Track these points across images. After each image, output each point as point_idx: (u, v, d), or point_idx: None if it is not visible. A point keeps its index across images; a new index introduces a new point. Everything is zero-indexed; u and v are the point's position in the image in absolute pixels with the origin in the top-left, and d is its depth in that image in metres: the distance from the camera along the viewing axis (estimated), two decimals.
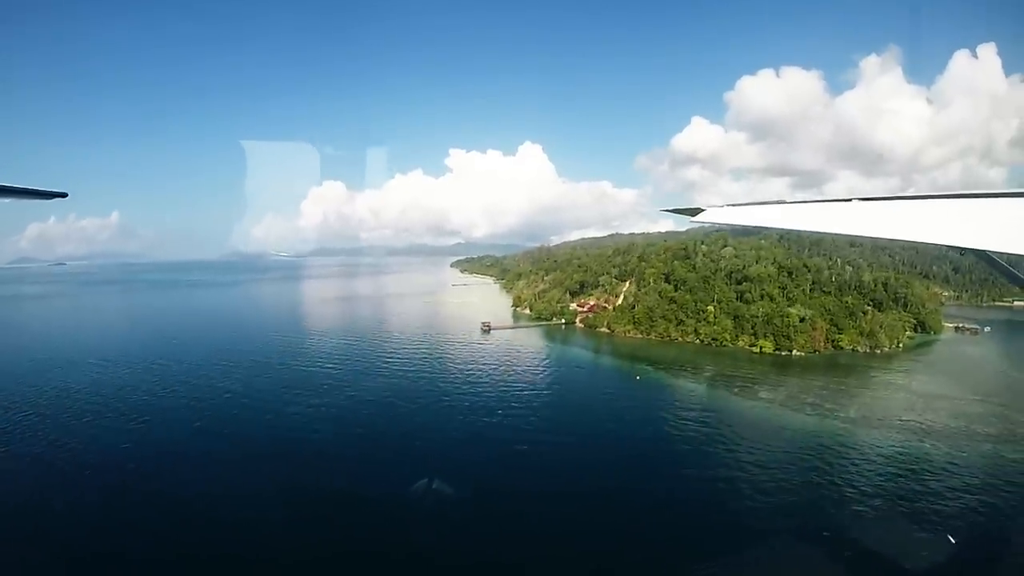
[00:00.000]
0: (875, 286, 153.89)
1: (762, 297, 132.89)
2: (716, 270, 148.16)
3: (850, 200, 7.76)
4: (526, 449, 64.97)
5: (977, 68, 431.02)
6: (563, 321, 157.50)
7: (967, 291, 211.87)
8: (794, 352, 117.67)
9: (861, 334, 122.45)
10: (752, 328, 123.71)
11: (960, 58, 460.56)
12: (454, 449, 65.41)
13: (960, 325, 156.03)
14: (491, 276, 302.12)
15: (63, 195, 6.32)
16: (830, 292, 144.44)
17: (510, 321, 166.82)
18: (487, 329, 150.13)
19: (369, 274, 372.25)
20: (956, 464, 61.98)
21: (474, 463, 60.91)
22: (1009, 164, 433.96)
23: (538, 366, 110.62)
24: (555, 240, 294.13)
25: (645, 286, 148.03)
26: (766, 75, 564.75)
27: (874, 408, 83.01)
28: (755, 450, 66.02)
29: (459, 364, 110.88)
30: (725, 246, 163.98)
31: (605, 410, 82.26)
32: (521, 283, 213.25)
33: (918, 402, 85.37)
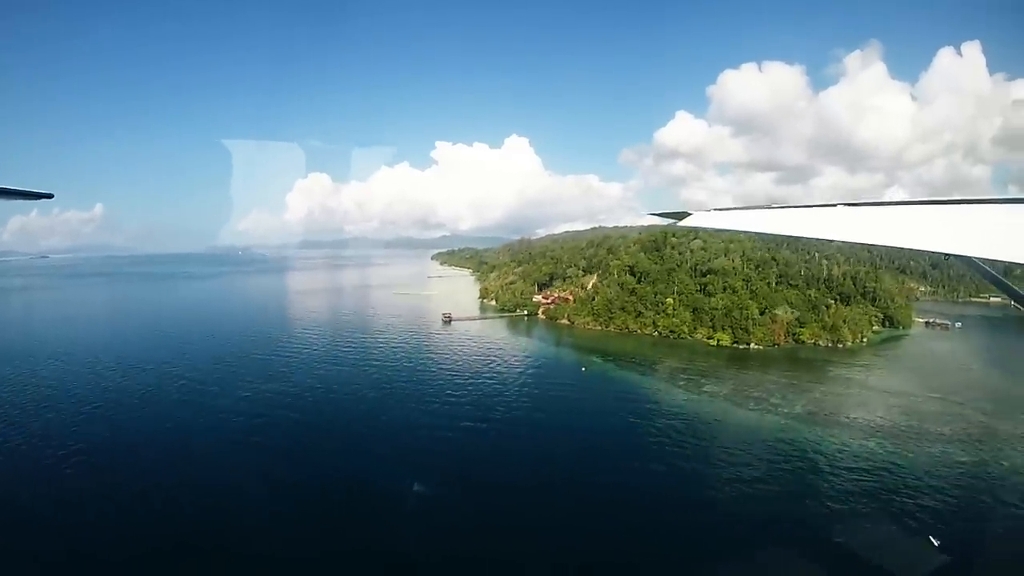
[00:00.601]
0: (844, 280, 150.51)
1: (724, 290, 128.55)
2: (682, 263, 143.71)
3: (835, 205, 7.86)
4: (451, 436, 64.69)
5: (962, 66, 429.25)
6: (526, 313, 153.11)
7: (944, 287, 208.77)
8: (752, 345, 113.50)
9: (824, 328, 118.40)
10: (711, 321, 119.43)
11: (945, 55, 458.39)
12: (384, 437, 64.31)
13: (931, 320, 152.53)
14: (469, 268, 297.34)
15: (49, 196, 6.29)
16: (797, 285, 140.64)
17: (475, 312, 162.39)
18: (448, 320, 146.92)
19: (348, 267, 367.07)
20: (899, 465, 57.58)
21: (401, 450, 59.94)
22: (993, 162, 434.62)
23: (486, 356, 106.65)
24: (541, 233, 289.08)
25: (608, 278, 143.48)
26: (749, 69, 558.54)
27: (823, 404, 78.69)
28: (688, 444, 62.74)
29: (410, 354, 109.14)
30: (695, 238, 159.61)
31: (542, 401, 78.89)
32: (492, 275, 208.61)
33: (871, 398, 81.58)
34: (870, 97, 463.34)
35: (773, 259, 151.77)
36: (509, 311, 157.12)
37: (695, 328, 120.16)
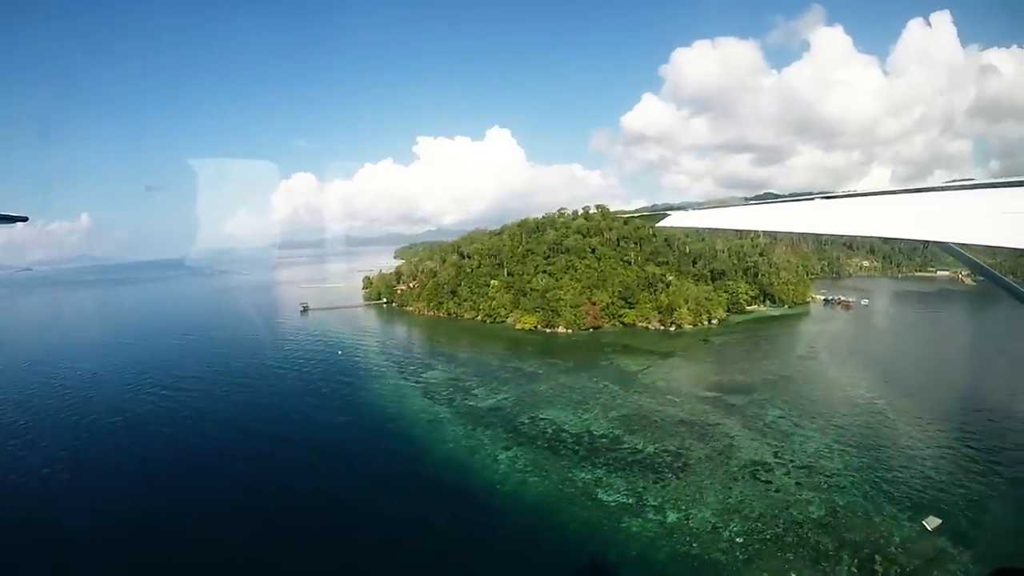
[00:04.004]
0: (728, 256, 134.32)
1: (568, 269, 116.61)
2: (540, 242, 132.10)
3: (813, 198, 7.94)
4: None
5: (932, 37, 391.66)
6: (384, 301, 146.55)
7: (892, 262, 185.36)
8: (560, 329, 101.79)
9: (658, 310, 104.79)
10: (532, 304, 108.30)
11: (914, 27, 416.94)
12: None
13: (831, 298, 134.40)
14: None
15: (24, 219, 6.28)
16: (667, 262, 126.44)
17: (339, 303, 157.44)
18: (304, 310, 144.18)
19: (304, 264, 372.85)
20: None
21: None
22: (972, 136, 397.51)
23: (296, 344, 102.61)
24: None
25: (445, 263, 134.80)
26: (702, 46, 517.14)
27: (536, 394, 67.06)
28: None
29: (229, 344, 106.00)
30: (576, 218, 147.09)
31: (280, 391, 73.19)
32: (393, 265, 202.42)
33: (609, 398, 65.69)
34: (836, 71, 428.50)
35: (653, 236, 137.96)
36: (374, 300, 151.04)
37: (511, 312, 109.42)
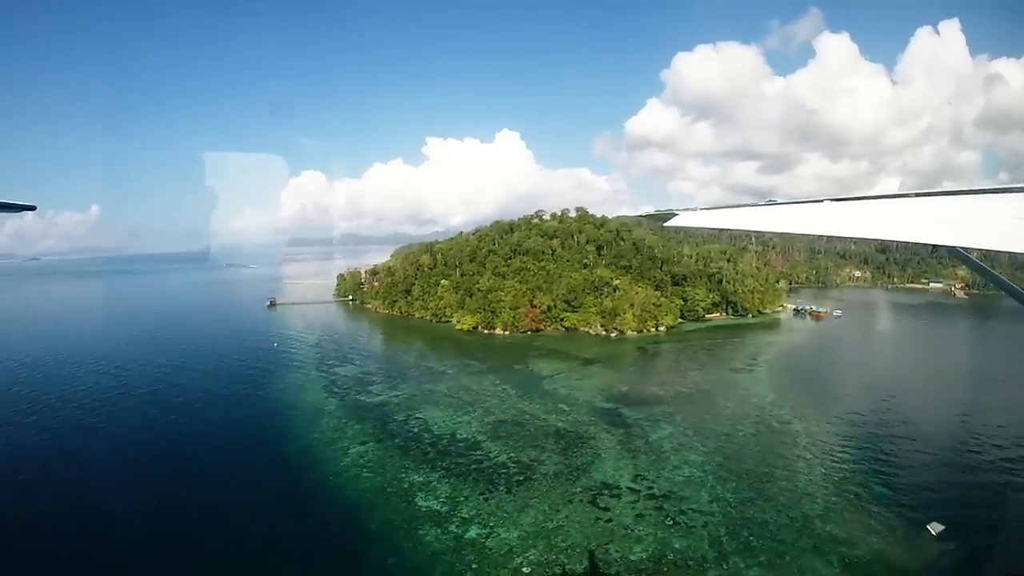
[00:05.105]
0: (694, 261, 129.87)
1: (520, 271, 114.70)
2: (505, 244, 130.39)
3: (822, 201, 7.90)
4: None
5: (940, 46, 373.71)
6: (350, 298, 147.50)
7: (884, 272, 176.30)
8: (498, 331, 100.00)
9: (602, 314, 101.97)
10: (476, 305, 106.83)
11: (922, 35, 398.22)
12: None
13: (801, 308, 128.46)
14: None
15: (31, 208, 6.33)
16: (629, 267, 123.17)
17: (312, 299, 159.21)
18: (271, 305, 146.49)
19: (308, 261, 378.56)
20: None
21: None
22: (980, 147, 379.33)
23: (242, 336, 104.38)
24: None
25: (405, 261, 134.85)
26: (704, 51, 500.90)
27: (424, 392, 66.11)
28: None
29: (179, 335, 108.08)
30: (551, 221, 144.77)
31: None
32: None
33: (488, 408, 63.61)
34: (842, 79, 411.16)
35: (620, 239, 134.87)
36: (342, 297, 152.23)
37: (456, 312, 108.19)
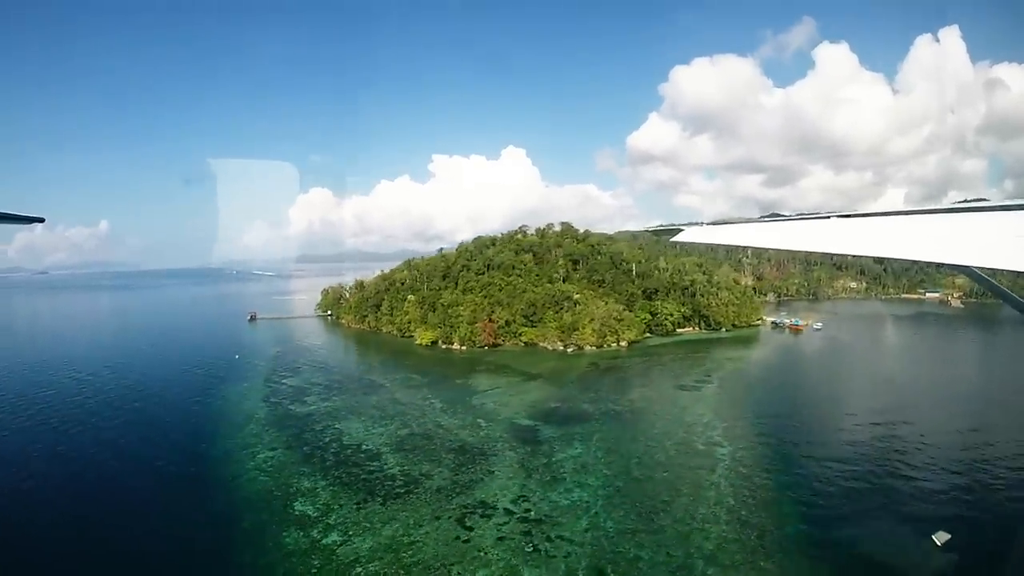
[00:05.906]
0: (670, 274, 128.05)
1: (486, 287, 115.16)
2: (481, 259, 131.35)
3: (828, 217, 7.73)
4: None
5: (941, 54, 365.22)
6: (329, 313, 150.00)
7: (880, 283, 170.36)
8: (455, 346, 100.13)
9: (561, 329, 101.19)
10: (437, 319, 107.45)
11: (922, 43, 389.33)
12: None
13: (779, 321, 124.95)
14: None
15: (40, 220, 6.27)
16: (602, 281, 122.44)
17: (294, 313, 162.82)
18: (252, 318, 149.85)
19: (313, 277, 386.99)
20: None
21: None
22: (985, 155, 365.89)
23: (212, 348, 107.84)
24: None
25: (379, 278, 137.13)
26: (701, 64, 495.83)
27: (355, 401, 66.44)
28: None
29: (155, 347, 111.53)
30: (529, 236, 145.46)
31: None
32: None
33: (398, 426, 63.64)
34: (843, 89, 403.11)
35: (597, 253, 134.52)
36: (322, 312, 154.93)
37: (419, 326, 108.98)
